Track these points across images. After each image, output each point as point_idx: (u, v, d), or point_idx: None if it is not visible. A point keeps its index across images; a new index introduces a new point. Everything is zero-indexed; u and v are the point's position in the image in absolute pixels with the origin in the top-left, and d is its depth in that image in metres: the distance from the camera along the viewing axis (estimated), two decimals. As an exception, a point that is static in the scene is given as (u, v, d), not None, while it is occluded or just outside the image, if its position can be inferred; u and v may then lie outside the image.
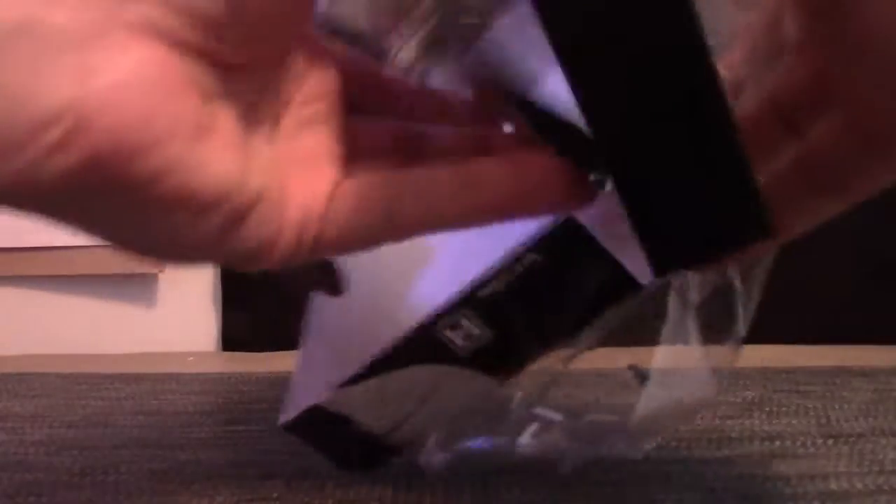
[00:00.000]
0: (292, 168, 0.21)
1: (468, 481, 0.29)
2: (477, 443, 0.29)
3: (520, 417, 0.29)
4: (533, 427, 0.29)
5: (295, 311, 0.75)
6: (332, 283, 0.28)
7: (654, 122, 0.18)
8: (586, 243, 0.23)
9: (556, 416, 0.29)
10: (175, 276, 0.72)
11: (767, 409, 0.40)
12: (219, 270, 0.73)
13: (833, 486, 0.28)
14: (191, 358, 0.67)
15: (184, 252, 0.21)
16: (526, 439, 0.29)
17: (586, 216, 0.23)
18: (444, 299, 0.25)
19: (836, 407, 0.40)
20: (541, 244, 0.23)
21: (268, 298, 0.71)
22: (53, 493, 0.29)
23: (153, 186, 0.18)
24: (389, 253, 0.25)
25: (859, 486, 0.28)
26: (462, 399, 0.27)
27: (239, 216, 0.19)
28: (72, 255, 0.71)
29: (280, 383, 0.48)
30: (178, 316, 0.72)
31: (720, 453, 0.32)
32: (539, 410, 0.29)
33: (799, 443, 0.34)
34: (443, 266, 0.26)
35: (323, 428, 0.28)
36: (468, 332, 0.25)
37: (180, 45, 0.18)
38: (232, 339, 0.72)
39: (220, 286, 0.73)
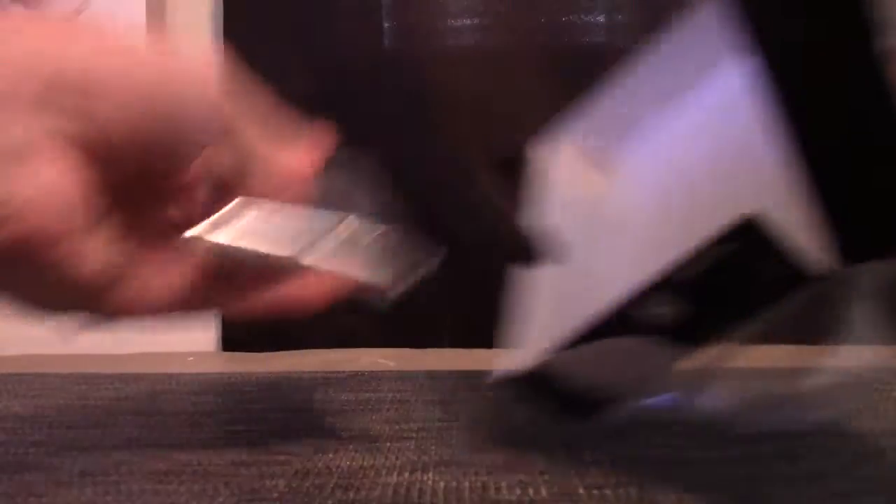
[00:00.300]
0: (136, 252, 0.27)
1: (468, 482, 0.29)
2: (661, 400, 0.33)
3: (701, 383, 0.33)
4: (713, 391, 0.33)
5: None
6: (527, 258, 0.35)
7: (844, 122, 0.23)
8: (770, 235, 0.26)
9: (736, 383, 0.32)
10: (175, 276, 0.72)
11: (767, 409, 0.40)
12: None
13: (833, 486, 0.28)
14: (191, 358, 0.67)
15: (59, 311, 0.27)
16: (707, 401, 0.33)
17: (771, 210, 0.26)
18: (642, 281, 0.28)
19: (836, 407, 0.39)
20: (726, 239, 0.27)
21: (268, 298, 0.71)
22: (53, 494, 0.29)
23: (48, 269, 0.24)
24: (596, 235, 0.34)
25: (859, 486, 0.28)
26: (653, 366, 0.30)
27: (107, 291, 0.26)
28: (72, 255, 0.71)
29: (280, 383, 0.48)
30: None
31: (720, 453, 0.32)
32: (719, 379, 0.32)
33: (799, 443, 0.34)
34: (640, 253, 0.31)
35: (531, 387, 0.32)
36: (664, 310, 0.28)
37: (86, 157, 0.24)
38: (232, 339, 0.72)
39: (220, 286, 0.73)
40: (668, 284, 0.28)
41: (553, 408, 0.33)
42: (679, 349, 0.29)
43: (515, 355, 0.33)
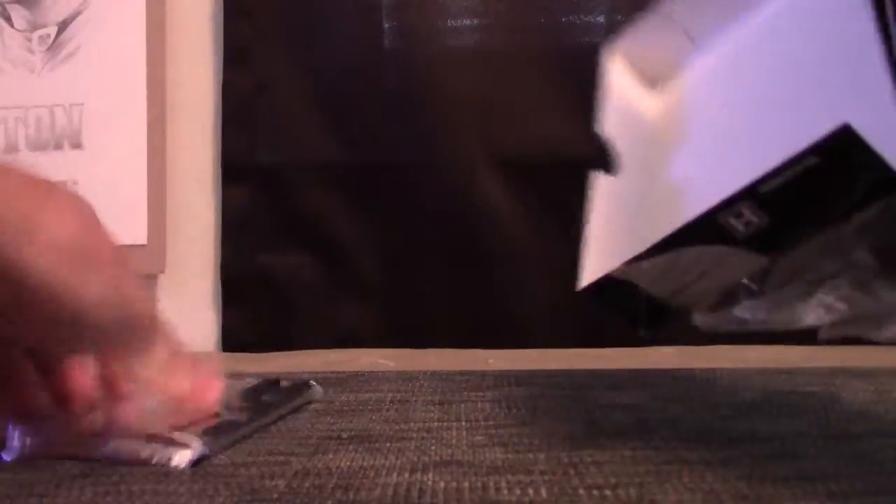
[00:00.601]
0: None
1: (468, 482, 0.29)
2: (748, 314, 0.33)
3: (796, 299, 0.32)
4: (814, 309, 0.32)
5: (295, 311, 0.75)
6: (606, 164, 0.37)
7: None
8: (859, 148, 0.27)
9: (840, 306, 0.33)
10: (175, 276, 0.72)
11: (767, 409, 0.40)
12: (219, 271, 0.73)
13: (833, 486, 0.28)
14: (191, 358, 0.67)
15: None
16: (809, 318, 0.32)
17: (863, 124, 0.27)
18: (730, 191, 0.29)
19: (836, 407, 0.40)
20: (820, 148, 0.27)
21: (268, 298, 0.71)
22: (53, 494, 0.29)
23: None
24: (677, 151, 0.34)
25: (859, 486, 0.28)
26: (736, 274, 0.31)
27: None
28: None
29: (280, 383, 0.47)
30: (178, 316, 0.72)
31: (720, 453, 0.32)
32: (821, 296, 0.32)
33: (799, 444, 0.34)
34: (728, 163, 0.31)
35: (613, 293, 0.33)
36: (748, 220, 0.29)
37: None
38: (232, 339, 0.72)
39: (220, 286, 0.73)
40: (756, 194, 0.28)
41: (632, 314, 0.33)
42: (758, 257, 0.30)
43: (598, 263, 0.34)
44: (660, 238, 0.30)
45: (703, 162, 0.33)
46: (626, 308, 0.33)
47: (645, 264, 0.31)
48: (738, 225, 0.29)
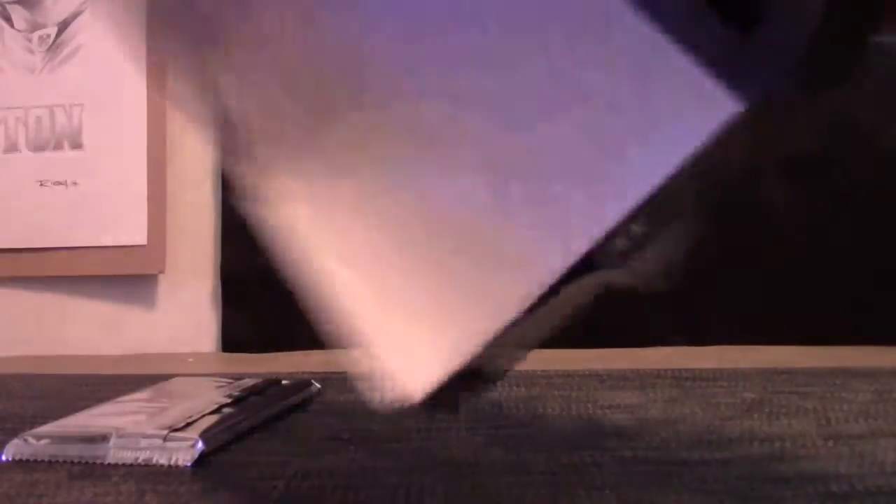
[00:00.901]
0: None
1: (468, 482, 0.29)
2: None
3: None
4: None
5: (295, 311, 0.75)
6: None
7: None
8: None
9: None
10: (175, 276, 0.72)
11: (767, 410, 0.40)
12: (219, 271, 0.73)
13: (833, 487, 0.28)
14: (191, 359, 0.67)
15: None
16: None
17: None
18: (615, 216, 0.22)
19: (836, 408, 0.40)
20: (726, 132, 0.21)
21: (268, 298, 0.71)
22: (53, 494, 0.29)
23: None
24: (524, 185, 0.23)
25: (859, 487, 0.28)
26: (590, 296, 0.24)
27: None
28: (72, 256, 0.71)
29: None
30: (178, 316, 0.72)
31: (720, 454, 0.32)
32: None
33: (799, 444, 0.34)
34: (598, 177, 0.23)
35: (449, 387, 0.25)
36: (631, 234, 0.23)
37: None
38: (232, 340, 0.72)
39: (220, 286, 0.73)
40: (643, 210, 0.22)
41: (444, 405, 0.27)
42: (624, 269, 0.24)
43: (432, 356, 0.25)
44: (533, 295, 0.22)
45: (551, 179, 0.23)
46: (451, 396, 0.26)
47: (497, 341, 0.23)
48: (617, 245, 0.23)
